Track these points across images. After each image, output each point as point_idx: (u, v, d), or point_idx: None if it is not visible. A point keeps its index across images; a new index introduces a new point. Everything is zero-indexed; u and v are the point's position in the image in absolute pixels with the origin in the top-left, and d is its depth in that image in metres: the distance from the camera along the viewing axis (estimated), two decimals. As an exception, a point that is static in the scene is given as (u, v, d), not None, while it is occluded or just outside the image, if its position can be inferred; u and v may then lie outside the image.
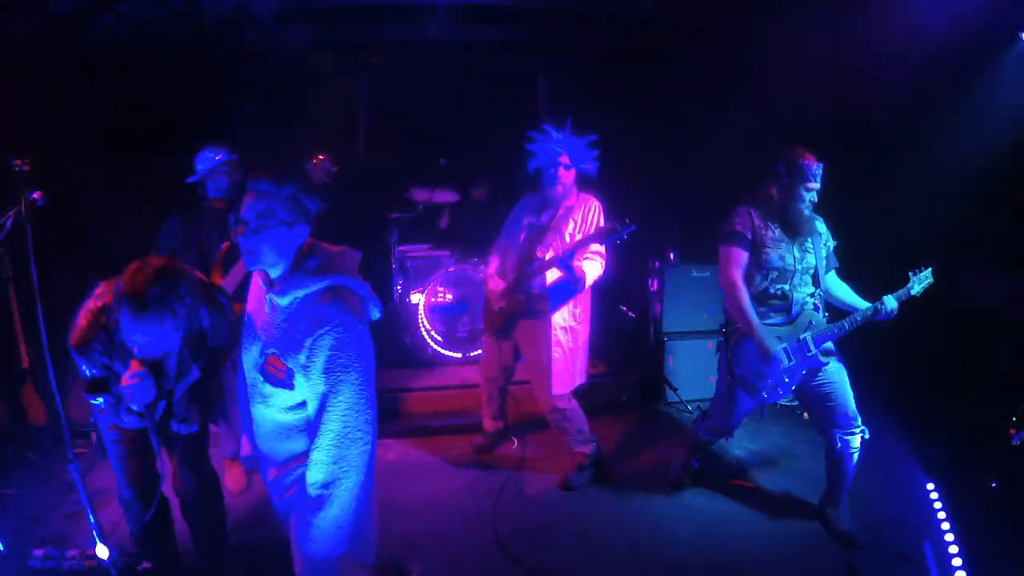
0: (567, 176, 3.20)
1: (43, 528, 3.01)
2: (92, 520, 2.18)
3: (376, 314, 1.87)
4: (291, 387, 1.75)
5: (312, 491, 1.73)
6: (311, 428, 1.76)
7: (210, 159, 3.28)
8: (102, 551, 2.22)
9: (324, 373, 1.67)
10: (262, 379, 1.79)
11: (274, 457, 1.90)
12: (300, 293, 1.72)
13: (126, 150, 4.08)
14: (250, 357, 1.87)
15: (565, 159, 3.16)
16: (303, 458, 1.80)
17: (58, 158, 2.86)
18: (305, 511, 1.77)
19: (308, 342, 1.68)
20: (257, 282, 1.90)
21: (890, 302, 2.77)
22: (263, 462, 1.99)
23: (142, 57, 4.52)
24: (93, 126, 3.99)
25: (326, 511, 1.74)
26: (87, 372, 2.11)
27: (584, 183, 3.31)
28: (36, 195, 2.19)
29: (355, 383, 1.70)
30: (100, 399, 2.13)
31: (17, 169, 2.14)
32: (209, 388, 2.35)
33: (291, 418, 1.81)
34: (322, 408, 1.70)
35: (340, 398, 1.69)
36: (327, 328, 1.67)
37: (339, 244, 1.94)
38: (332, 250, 1.82)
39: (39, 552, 2.61)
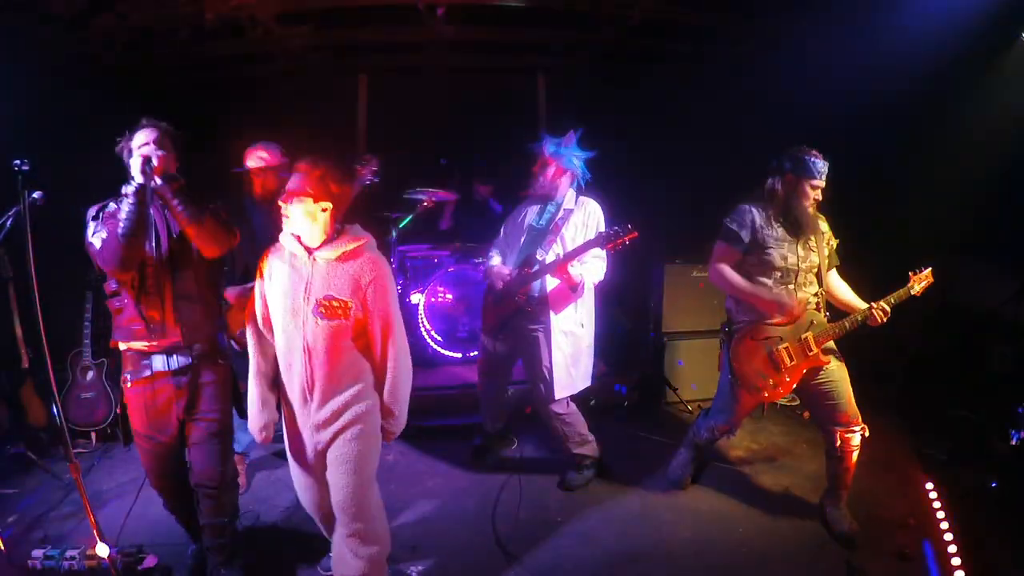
0: (553, 174, 3.20)
1: (43, 528, 3.00)
2: (92, 520, 2.19)
3: None
4: (349, 319, 2.20)
5: (389, 364, 2.28)
6: (366, 345, 2.28)
7: (263, 157, 3.25)
8: (102, 551, 2.22)
9: (386, 299, 2.23)
10: (319, 319, 2.19)
11: (324, 380, 2.24)
12: (350, 246, 2.23)
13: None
14: (290, 311, 2.22)
15: (551, 161, 3.18)
16: (353, 371, 2.26)
17: (58, 158, 2.86)
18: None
19: (367, 278, 2.20)
20: (280, 259, 2.27)
21: (878, 313, 2.76)
22: (302, 398, 2.28)
23: (142, 57, 4.52)
24: (93, 126, 3.99)
25: (398, 371, 2.29)
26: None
27: (586, 184, 3.30)
28: (36, 195, 2.19)
29: (397, 304, 2.30)
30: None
31: (17, 169, 2.14)
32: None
33: (344, 343, 2.24)
34: (384, 320, 2.24)
35: (395, 314, 2.27)
36: (381, 269, 2.24)
37: None
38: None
39: (39, 552, 2.62)
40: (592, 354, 3.39)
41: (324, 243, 2.22)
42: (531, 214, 3.33)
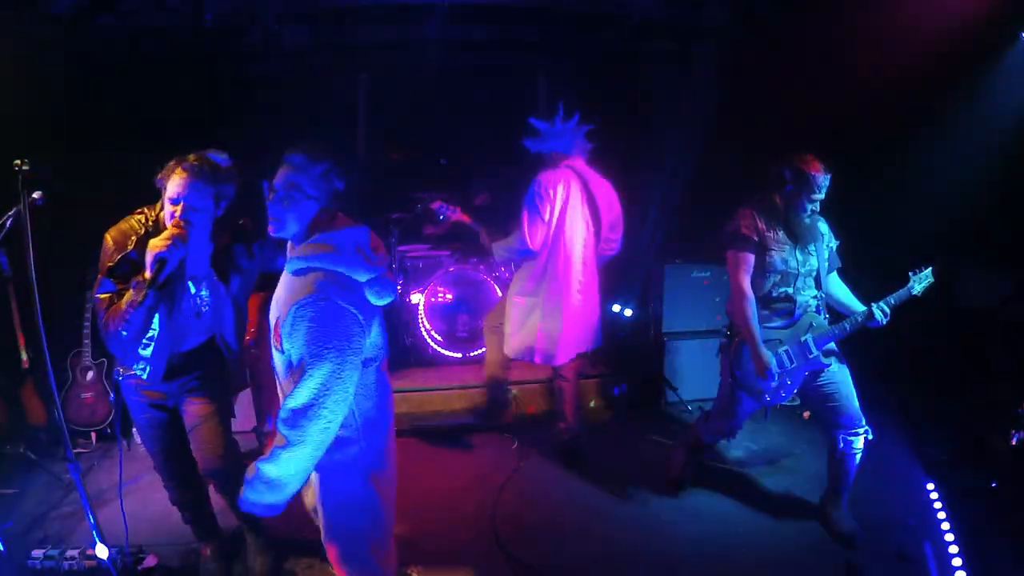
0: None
1: (43, 528, 3.00)
2: (92, 520, 2.19)
3: (377, 300, 1.90)
4: (282, 351, 1.84)
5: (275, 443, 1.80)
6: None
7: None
8: (102, 551, 2.22)
9: (304, 344, 1.75)
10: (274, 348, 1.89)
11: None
12: (301, 265, 1.81)
13: (126, 150, 4.08)
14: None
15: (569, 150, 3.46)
16: None
17: (58, 158, 2.86)
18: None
19: (293, 310, 1.76)
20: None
21: (878, 312, 2.74)
22: None
23: (142, 57, 4.51)
24: (93, 126, 3.99)
25: (269, 465, 1.78)
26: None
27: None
28: (36, 195, 2.19)
29: (332, 361, 1.73)
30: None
31: (17, 169, 2.13)
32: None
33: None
34: (300, 375, 1.76)
35: (314, 372, 1.73)
36: (308, 301, 1.74)
37: None
38: (345, 224, 1.87)
39: (39, 552, 2.62)
40: (528, 333, 3.56)
41: (295, 247, 1.87)
42: None
